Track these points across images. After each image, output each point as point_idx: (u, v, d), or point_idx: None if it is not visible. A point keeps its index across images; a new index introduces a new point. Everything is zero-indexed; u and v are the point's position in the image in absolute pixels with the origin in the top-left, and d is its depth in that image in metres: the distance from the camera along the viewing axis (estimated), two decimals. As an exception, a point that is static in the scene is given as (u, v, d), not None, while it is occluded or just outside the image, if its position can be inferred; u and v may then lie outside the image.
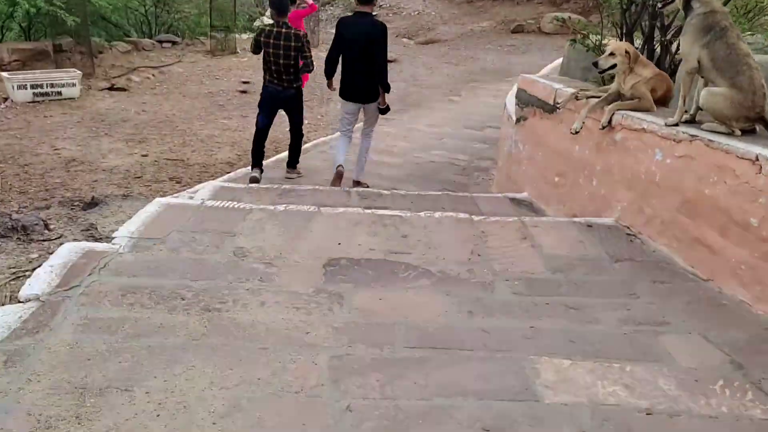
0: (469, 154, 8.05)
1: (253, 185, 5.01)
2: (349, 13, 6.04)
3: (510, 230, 3.62)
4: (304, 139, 6.79)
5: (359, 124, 6.14)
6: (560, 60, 10.36)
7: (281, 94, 5.77)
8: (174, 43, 14.16)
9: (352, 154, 6.14)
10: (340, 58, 5.60)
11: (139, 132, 8.06)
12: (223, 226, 3.44)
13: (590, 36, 6.81)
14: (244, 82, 11.12)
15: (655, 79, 3.80)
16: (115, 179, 6.19)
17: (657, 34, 6.39)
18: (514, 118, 5.47)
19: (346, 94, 5.71)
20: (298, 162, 6.40)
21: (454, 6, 21.95)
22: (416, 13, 21.26)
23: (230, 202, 3.88)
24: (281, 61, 5.57)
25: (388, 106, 5.86)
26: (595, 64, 3.81)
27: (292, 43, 5.53)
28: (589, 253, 3.33)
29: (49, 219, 4.13)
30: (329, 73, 5.79)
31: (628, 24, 6.30)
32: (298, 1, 8.73)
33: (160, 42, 13.95)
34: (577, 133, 3.96)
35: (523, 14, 19.68)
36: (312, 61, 5.76)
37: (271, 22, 17.44)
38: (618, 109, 3.77)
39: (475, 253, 3.29)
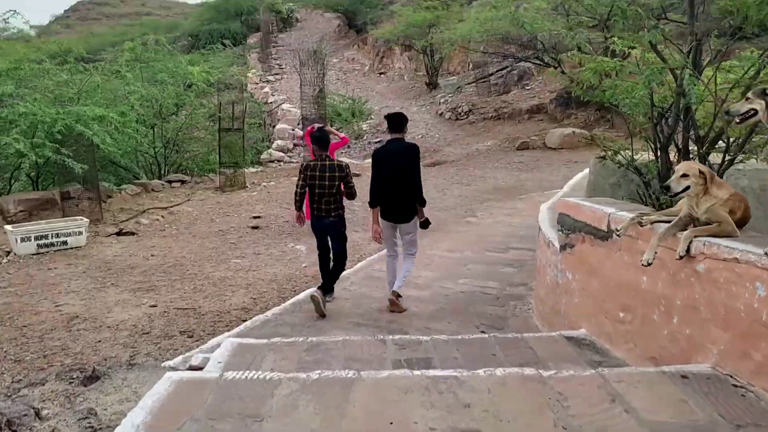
0: (499, 280, 7.51)
1: (275, 340, 4.41)
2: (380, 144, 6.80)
3: (591, 388, 3.01)
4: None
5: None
6: (580, 176, 10.14)
7: (323, 221, 6.14)
8: (183, 181, 14.15)
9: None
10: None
11: (147, 279, 7.60)
12: (248, 408, 2.84)
13: (620, 152, 6.53)
14: (255, 217, 10.86)
15: (733, 199, 3.35)
16: (121, 338, 5.62)
17: (693, 146, 6.10)
18: (557, 245, 4.99)
19: (383, 214, 6.04)
20: (332, 289, 6.39)
21: (457, 128, 22.39)
22: (420, 136, 21.62)
23: (253, 372, 3.30)
24: (326, 191, 5.98)
25: (427, 219, 6.27)
26: (667, 188, 3.37)
27: (336, 173, 5.98)
28: (699, 418, 2.69)
29: (44, 401, 3.57)
30: (374, 203, 6.04)
31: (662, 138, 6.02)
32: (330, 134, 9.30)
33: (170, 182, 13.93)
34: (649, 264, 3.44)
35: (525, 131, 19.96)
36: (355, 190, 6.21)
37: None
38: (696, 236, 3.29)
39: (559, 425, 2.66)
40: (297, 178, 6.22)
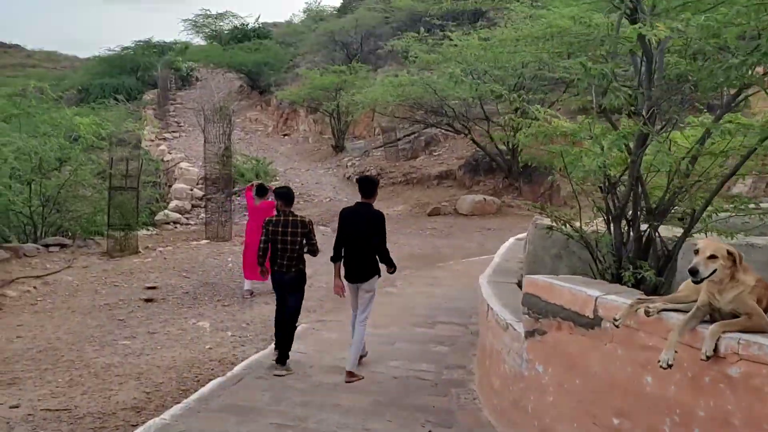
0: (432, 361, 6.73)
1: None
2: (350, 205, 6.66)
3: None
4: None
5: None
6: (508, 244, 9.71)
7: (284, 277, 6.12)
8: (63, 245, 12.46)
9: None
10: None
11: (9, 369, 6.17)
12: None
13: (568, 223, 6.07)
14: (150, 288, 9.52)
15: (759, 286, 2.80)
16: (-36, 457, 4.27)
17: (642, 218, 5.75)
18: (520, 330, 4.31)
19: (347, 274, 6.11)
20: (288, 357, 6.13)
21: (365, 191, 21.90)
22: (328, 200, 20.93)
23: None
24: (288, 247, 5.99)
25: (395, 267, 6.47)
26: (694, 272, 2.75)
27: (299, 230, 6.02)
28: None
29: None
30: (336, 259, 6.12)
31: (614, 209, 5.61)
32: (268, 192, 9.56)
33: (47, 246, 12.22)
34: (669, 366, 2.79)
35: (435, 197, 19.79)
36: (317, 246, 6.25)
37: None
38: (725, 331, 2.68)
39: None
40: (261, 234, 6.24)
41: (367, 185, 6.16)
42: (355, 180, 7.14)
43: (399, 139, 24.53)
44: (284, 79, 34.40)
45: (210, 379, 5.97)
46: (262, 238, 6.13)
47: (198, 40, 40.77)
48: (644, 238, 5.44)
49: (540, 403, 3.99)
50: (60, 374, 6.08)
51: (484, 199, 17.65)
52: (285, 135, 32.97)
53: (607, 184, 5.54)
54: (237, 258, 11.83)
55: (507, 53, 8.30)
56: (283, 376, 5.89)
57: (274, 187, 9.07)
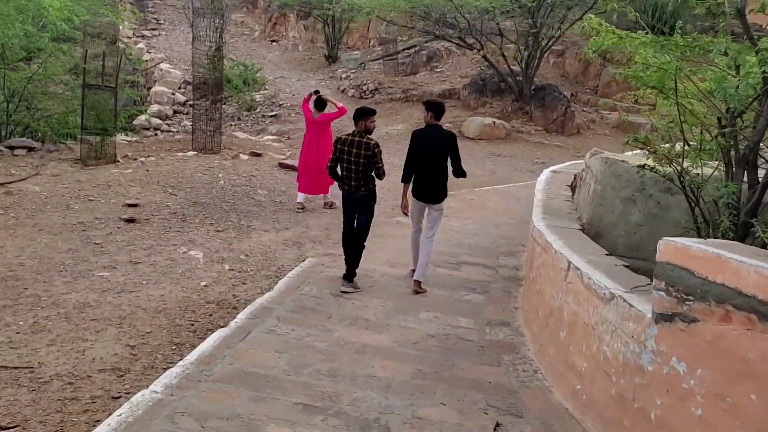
0: (470, 314, 5.73)
1: None
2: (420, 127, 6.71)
3: None
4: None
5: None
6: (544, 178, 8.53)
7: (352, 196, 6.08)
8: (31, 149, 10.98)
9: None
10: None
11: (-44, 305, 4.97)
12: None
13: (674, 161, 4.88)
14: (131, 205, 8.23)
15: None
16: None
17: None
18: (644, 311, 3.22)
19: (417, 194, 6.27)
20: (355, 274, 6.12)
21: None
22: (322, 113, 19.40)
23: None
24: (353, 167, 5.91)
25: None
26: None
27: (362, 151, 5.85)
28: None
29: None
30: (407, 179, 6.24)
31: (739, 150, 4.42)
32: (327, 105, 9.20)
33: (11, 148, 10.75)
34: None
35: (437, 117, 18.43)
36: (383, 171, 6.05)
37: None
38: None
39: None
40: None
41: (438, 108, 6.36)
42: (422, 103, 6.92)
43: (398, 52, 22.80)
44: (275, -22, 31.81)
45: (208, 330, 4.88)
46: (332, 156, 6.12)
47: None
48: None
49: (677, 414, 2.95)
50: (21, 314, 4.90)
51: (494, 122, 16.33)
52: (273, 41, 30.81)
53: (730, 116, 4.33)
54: (228, 174, 10.55)
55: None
56: (350, 293, 5.90)
57: (331, 99, 9.24)
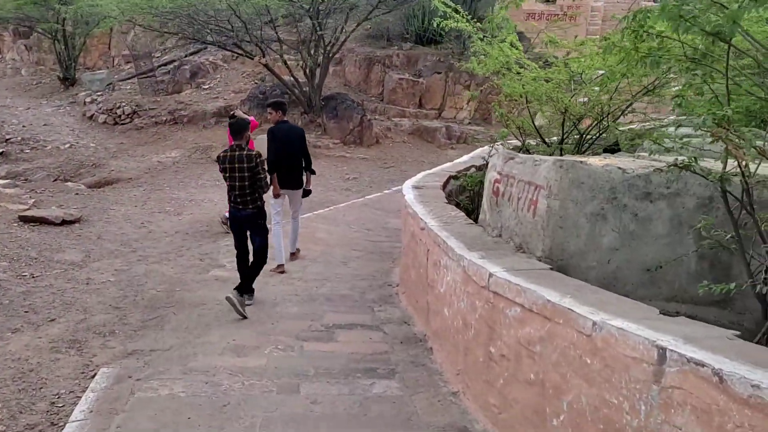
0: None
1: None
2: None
3: None
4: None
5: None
6: (412, 201, 6.66)
7: (240, 214, 5.82)
8: None
9: None
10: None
11: None
12: None
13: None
14: None
15: None
16: None
17: None
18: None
19: (281, 183, 6.96)
20: (252, 289, 5.84)
21: (119, 135, 16.87)
22: (68, 146, 15.55)
23: None
24: (237, 183, 5.69)
25: (310, 189, 7.45)
26: None
27: (246, 164, 5.66)
28: None
29: None
30: (272, 171, 6.75)
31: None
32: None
33: None
34: None
35: (218, 138, 15.86)
36: (265, 182, 5.83)
37: None
38: None
39: None
40: None
41: (283, 105, 7.25)
42: (265, 105, 8.47)
43: (155, 69, 19.69)
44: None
45: None
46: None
47: None
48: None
49: None
50: None
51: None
52: (-16, 66, 25.17)
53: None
54: None
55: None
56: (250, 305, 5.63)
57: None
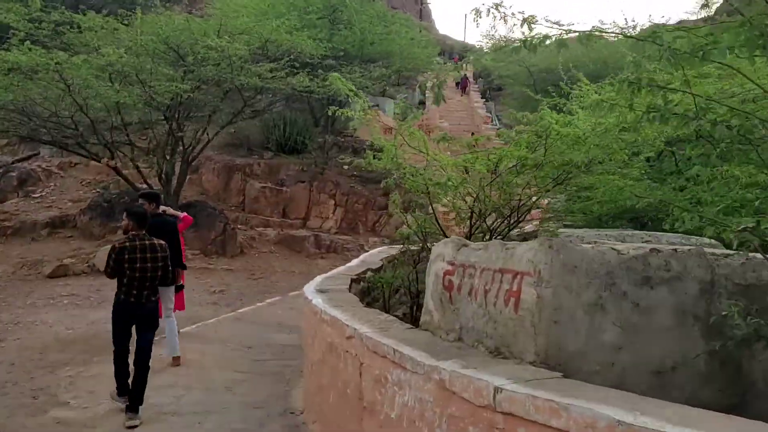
0: None
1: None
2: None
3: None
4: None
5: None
6: (325, 310, 5.50)
7: (141, 310, 5.33)
8: None
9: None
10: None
11: None
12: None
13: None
14: None
15: None
16: None
17: None
18: None
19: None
20: (141, 402, 5.15)
21: None
22: None
23: None
24: (147, 275, 5.30)
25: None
26: None
27: (159, 254, 5.40)
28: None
29: None
30: None
31: None
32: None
33: None
34: None
35: (51, 252, 13.74)
36: (172, 274, 5.85)
37: None
38: None
39: None
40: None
41: (157, 196, 7.52)
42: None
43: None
44: None
45: None
46: (109, 268, 5.29)
47: None
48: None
49: None
50: None
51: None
52: None
53: None
54: None
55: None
56: (137, 426, 4.97)
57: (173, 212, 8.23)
